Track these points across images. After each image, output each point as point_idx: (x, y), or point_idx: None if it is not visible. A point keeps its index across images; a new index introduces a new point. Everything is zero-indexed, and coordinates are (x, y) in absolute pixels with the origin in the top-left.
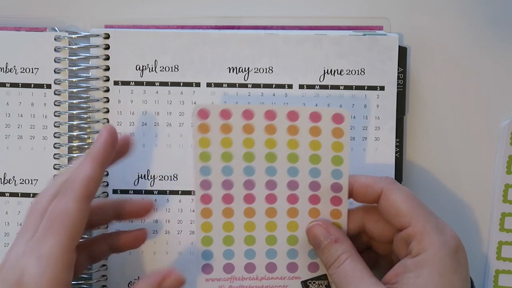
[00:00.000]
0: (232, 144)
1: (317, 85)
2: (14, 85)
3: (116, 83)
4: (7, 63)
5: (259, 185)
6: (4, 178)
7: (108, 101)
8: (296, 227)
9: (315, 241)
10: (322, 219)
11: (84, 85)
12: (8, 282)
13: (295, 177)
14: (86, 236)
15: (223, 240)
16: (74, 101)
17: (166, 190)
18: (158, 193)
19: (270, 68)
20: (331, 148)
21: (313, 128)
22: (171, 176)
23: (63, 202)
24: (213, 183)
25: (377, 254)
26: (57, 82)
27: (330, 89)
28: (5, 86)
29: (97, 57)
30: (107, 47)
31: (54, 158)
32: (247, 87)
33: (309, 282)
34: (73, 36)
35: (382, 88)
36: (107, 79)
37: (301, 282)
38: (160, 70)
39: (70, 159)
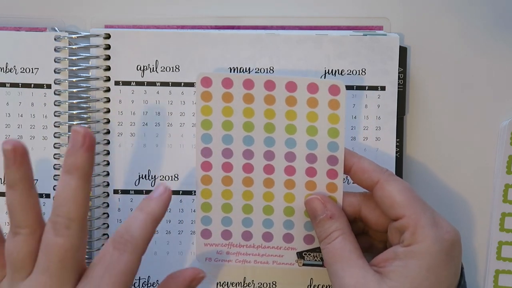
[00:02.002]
0: (233, 113)
1: None
2: (14, 85)
3: (117, 83)
4: (7, 63)
5: (258, 155)
6: (4, 178)
7: (108, 101)
8: (292, 198)
9: (312, 213)
10: (319, 192)
11: (84, 85)
12: None
13: (292, 149)
14: None
15: (221, 207)
16: (74, 101)
17: None
18: None
19: (271, 68)
20: (328, 120)
21: (311, 99)
22: (172, 176)
23: (128, 258)
24: (213, 151)
25: (372, 239)
26: (57, 82)
27: None
28: (5, 86)
29: (97, 57)
30: (107, 47)
31: (54, 158)
32: None
33: (304, 254)
34: (73, 36)
35: (383, 88)
36: (108, 79)
37: (297, 253)
38: (161, 70)
39: None
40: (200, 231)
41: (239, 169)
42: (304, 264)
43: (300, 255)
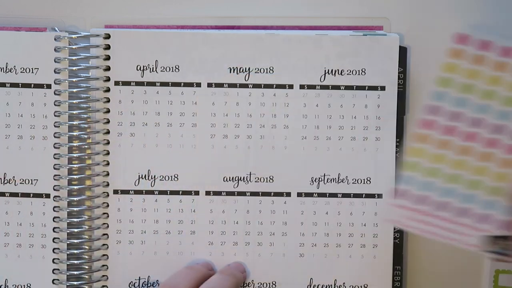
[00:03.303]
0: (474, 78)
1: (318, 85)
2: (14, 85)
3: (116, 83)
4: (7, 63)
5: (471, 123)
6: (4, 178)
7: (108, 101)
8: (504, 178)
9: None
10: None
11: (84, 85)
12: None
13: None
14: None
15: (426, 170)
16: (74, 101)
17: (167, 191)
18: (158, 193)
19: (271, 68)
20: None
21: None
22: (171, 177)
23: None
24: (441, 109)
25: None
26: (57, 82)
27: (331, 89)
28: (5, 86)
29: (97, 57)
30: (107, 47)
31: (54, 158)
32: (247, 87)
33: (497, 238)
34: (73, 36)
35: (383, 88)
36: (108, 79)
37: (490, 236)
38: (161, 70)
39: (70, 159)
40: (394, 190)
41: (457, 134)
42: (490, 251)
43: (492, 239)
